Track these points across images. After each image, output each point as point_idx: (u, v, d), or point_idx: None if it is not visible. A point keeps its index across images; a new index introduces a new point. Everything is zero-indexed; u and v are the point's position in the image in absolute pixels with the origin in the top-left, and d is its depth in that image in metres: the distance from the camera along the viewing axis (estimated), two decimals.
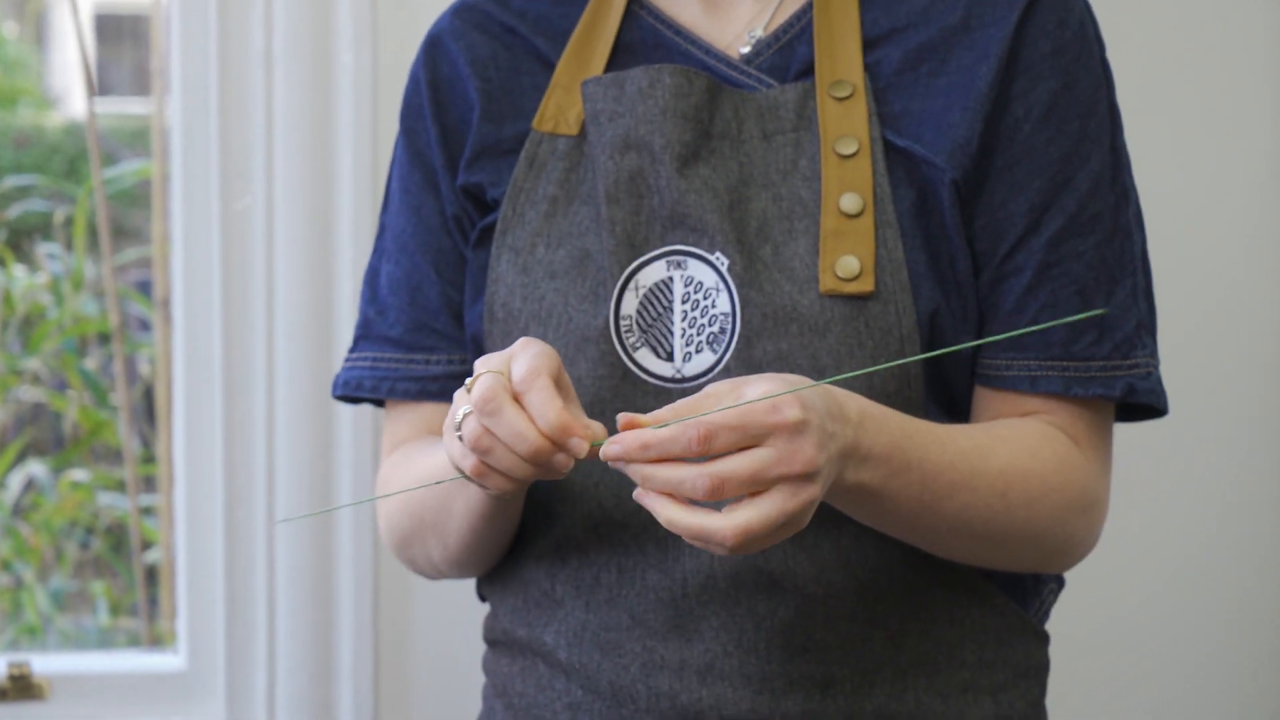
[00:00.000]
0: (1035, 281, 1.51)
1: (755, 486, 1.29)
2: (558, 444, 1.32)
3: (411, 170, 1.64)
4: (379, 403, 1.67)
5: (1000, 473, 1.46)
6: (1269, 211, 2.52)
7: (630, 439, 1.29)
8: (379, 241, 1.67)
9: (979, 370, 1.53)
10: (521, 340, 1.37)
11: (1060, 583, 1.63)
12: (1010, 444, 1.48)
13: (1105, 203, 1.52)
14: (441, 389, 1.62)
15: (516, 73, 1.61)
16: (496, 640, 1.62)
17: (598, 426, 1.34)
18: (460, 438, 1.35)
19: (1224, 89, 2.51)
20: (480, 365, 1.36)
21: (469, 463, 1.35)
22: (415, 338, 1.63)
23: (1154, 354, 1.54)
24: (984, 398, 1.54)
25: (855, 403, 1.38)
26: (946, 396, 1.53)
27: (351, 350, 1.66)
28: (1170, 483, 2.51)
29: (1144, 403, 1.53)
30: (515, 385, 1.33)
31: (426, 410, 1.64)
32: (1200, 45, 2.52)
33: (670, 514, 1.29)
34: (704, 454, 1.28)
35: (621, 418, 1.31)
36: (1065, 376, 1.51)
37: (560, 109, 1.58)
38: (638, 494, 1.31)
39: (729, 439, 1.28)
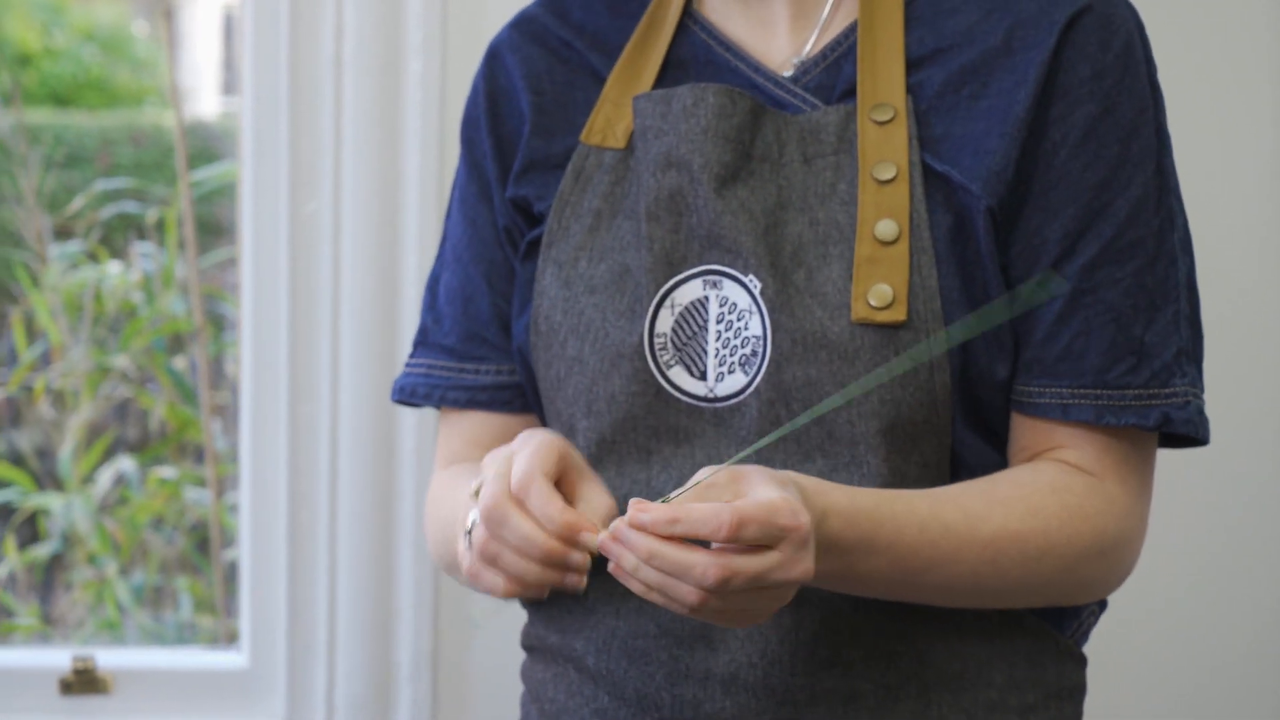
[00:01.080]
0: (1068, 309, 1.49)
1: (753, 586, 1.31)
2: (568, 542, 1.35)
3: (469, 181, 1.65)
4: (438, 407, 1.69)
5: (990, 541, 1.45)
6: (1270, 211, 2.49)
7: (660, 512, 1.30)
8: (441, 250, 1.69)
9: (1014, 396, 1.52)
10: (522, 435, 1.41)
11: (1102, 604, 1.61)
12: (1008, 506, 1.46)
13: (1147, 228, 1.50)
14: (490, 399, 1.64)
15: (570, 87, 1.62)
16: (533, 646, 1.63)
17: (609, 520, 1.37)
18: (469, 543, 1.40)
19: (1225, 89, 2.48)
20: (488, 464, 1.41)
21: (481, 569, 1.40)
22: (467, 347, 1.64)
23: (1195, 382, 1.51)
24: (1018, 424, 1.53)
25: (822, 499, 1.38)
26: (982, 421, 1.52)
27: (411, 356, 1.69)
28: (1188, 497, 2.50)
29: (1180, 433, 1.50)
30: (514, 492, 1.37)
31: (476, 419, 1.65)
32: (1200, 45, 2.49)
33: (656, 548, 1.30)
34: (729, 541, 1.29)
35: (634, 502, 1.31)
36: (1098, 405, 1.49)
37: (609, 122, 1.58)
38: (601, 542, 1.33)
39: (756, 533, 1.29)
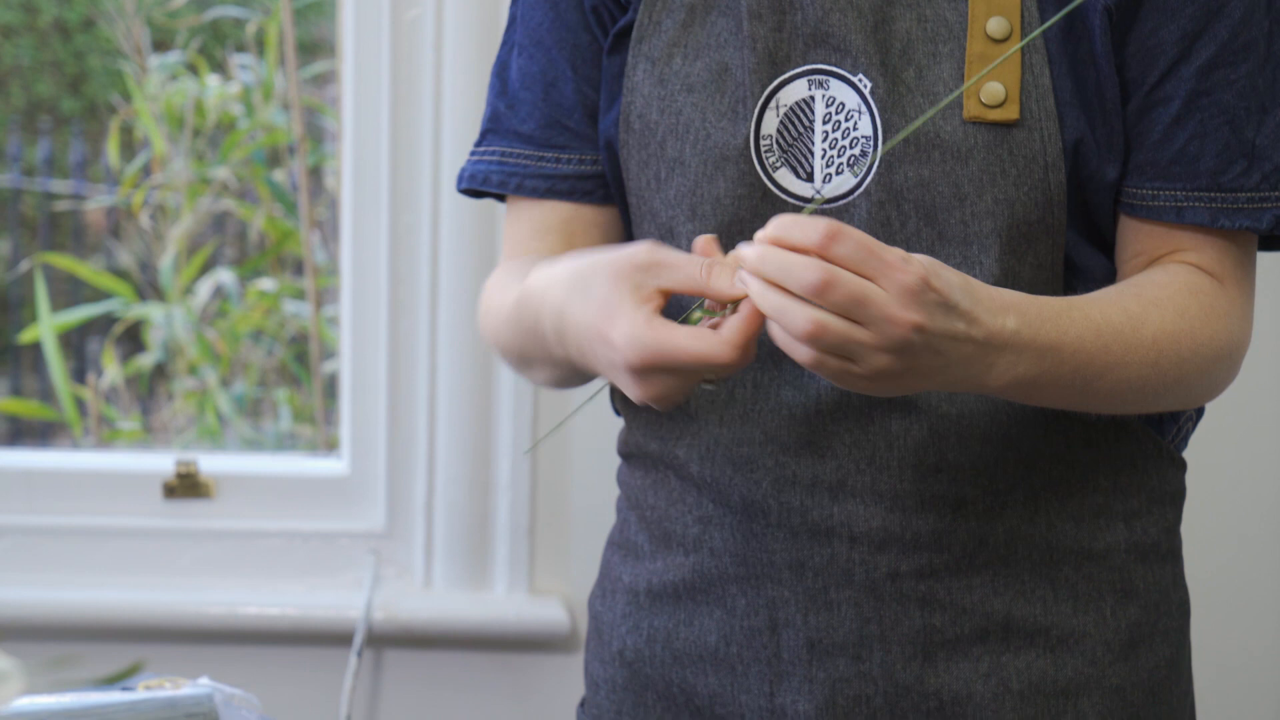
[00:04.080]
0: (1184, 110, 1.48)
1: (855, 311, 1.27)
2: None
3: None
4: (501, 198, 1.64)
5: (1153, 342, 1.44)
6: None
7: (766, 228, 1.29)
8: (509, 34, 1.63)
9: (1124, 199, 1.51)
10: (645, 245, 1.36)
11: (1199, 411, 1.61)
12: (1161, 307, 1.45)
13: (1259, 29, 1.48)
14: (571, 188, 1.59)
15: None
16: (630, 454, 1.63)
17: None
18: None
19: None
20: (688, 265, 1.34)
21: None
22: (547, 134, 1.60)
23: None
24: (1129, 227, 1.52)
25: (1014, 297, 1.36)
26: (1090, 224, 1.52)
27: (478, 144, 1.64)
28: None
29: None
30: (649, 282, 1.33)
31: (551, 208, 1.61)
32: None
33: (762, 250, 1.29)
34: (822, 250, 1.26)
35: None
36: (1213, 208, 1.48)
37: None
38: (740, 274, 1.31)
39: (851, 251, 1.26)
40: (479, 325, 1.66)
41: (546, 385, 1.61)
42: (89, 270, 3.51)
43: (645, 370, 1.32)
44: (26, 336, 3.45)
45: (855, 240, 1.27)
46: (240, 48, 3.52)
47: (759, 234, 1.29)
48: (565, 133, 1.59)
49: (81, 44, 3.83)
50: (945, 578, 1.51)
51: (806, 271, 1.26)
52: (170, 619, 2.47)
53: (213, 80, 3.46)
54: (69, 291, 3.74)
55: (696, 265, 1.32)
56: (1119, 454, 1.54)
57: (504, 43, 1.64)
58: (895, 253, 1.28)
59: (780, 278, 1.27)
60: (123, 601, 2.47)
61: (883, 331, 1.28)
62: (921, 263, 1.29)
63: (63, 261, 3.61)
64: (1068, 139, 1.46)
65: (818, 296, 1.26)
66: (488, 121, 1.63)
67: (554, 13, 1.59)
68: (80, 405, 3.37)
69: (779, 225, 1.28)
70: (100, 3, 3.60)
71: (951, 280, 1.32)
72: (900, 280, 1.27)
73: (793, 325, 1.27)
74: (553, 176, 1.60)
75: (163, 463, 2.55)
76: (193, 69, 3.47)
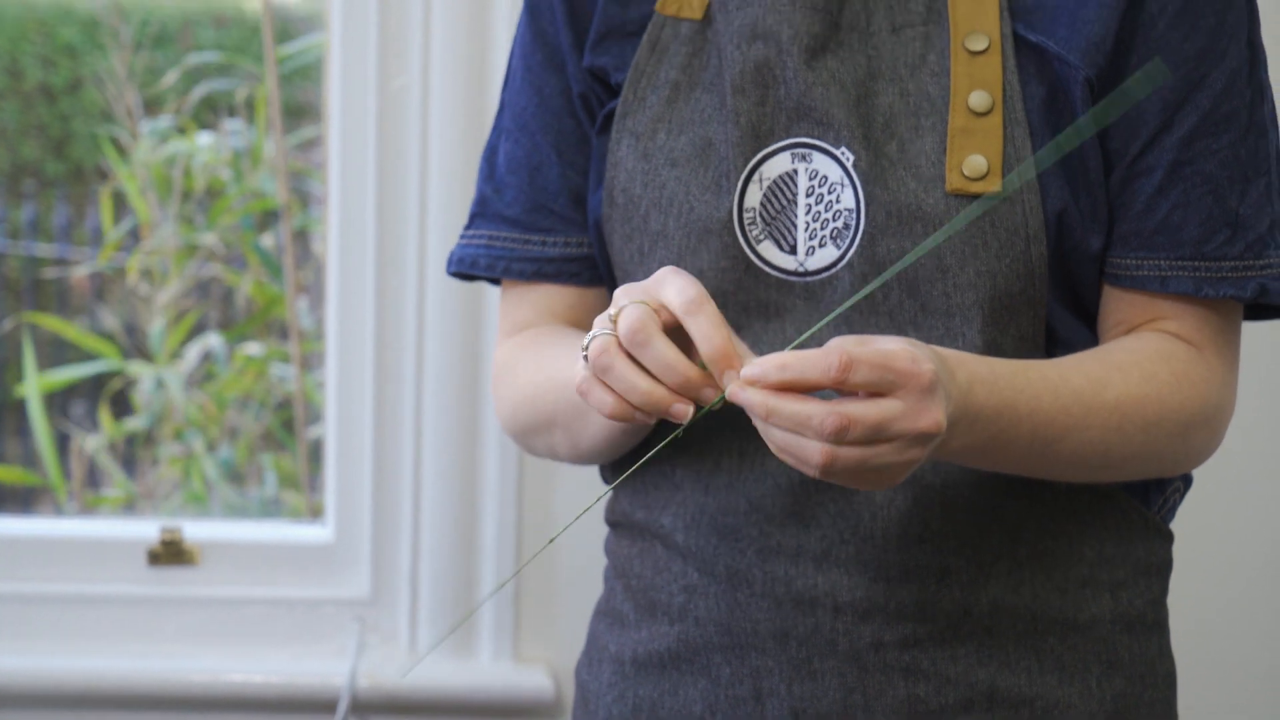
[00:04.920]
0: (1167, 180, 1.48)
1: (876, 436, 1.28)
2: (708, 377, 1.31)
3: (534, 49, 1.61)
4: (495, 281, 1.66)
5: (1115, 406, 1.45)
6: None
7: (768, 361, 1.28)
8: (498, 119, 1.65)
9: (1108, 269, 1.51)
10: (668, 269, 1.35)
11: (1186, 481, 1.61)
12: (1126, 371, 1.46)
13: (1241, 99, 1.49)
14: (558, 271, 1.61)
15: None
16: (617, 522, 1.63)
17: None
18: (585, 358, 1.34)
19: None
20: (621, 296, 1.35)
21: (591, 389, 1.34)
22: (533, 218, 1.61)
23: None
24: (1112, 297, 1.52)
25: (964, 369, 1.37)
26: (1073, 295, 1.52)
27: (467, 227, 1.65)
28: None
29: (1277, 304, 1.51)
30: (682, 309, 1.32)
31: (543, 292, 1.62)
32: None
33: (772, 403, 1.28)
34: (839, 384, 1.27)
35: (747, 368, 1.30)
36: (1196, 277, 1.49)
37: None
38: (731, 392, 1.30)
39: (867, 375, 1.27)
40: (494, 405, 1.67)
41: (567, 458, 1.61)
42: (75, 331, 3.51)
43: (635, 337, 1.32)
44: (11, 398, 3.44)
45: (869, 363, 1.28)
46: (231, 112, 3.53)
47: (764, 368, 1.29)
48: (550, 216, 1.60)
49: (66, 107, 3.84)
50: (929, 648, 1.50)
51: (825, 422, 1.27)
52: (154, 687, 2.45)
53: (204, 138, 3.47)
54: (53, 354, 3.74)
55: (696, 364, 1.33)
56: (1104, 524, 1.54)
57: (494, 129, 1.66)
58: (904, 355, 1.29)
59: (796, 428, 1.28)
60: (107, 670, 2.46)
61: (904, 442, 1.30)
62: (928, 358, 1.30)
63: (48, 321, 3.61)
64: (1051, 210, 1.47)
65: (836, 442, 1.27)
66: (476, 206, 1.65)
67: (538, 98, 1.61)
68: (65, 470, 3.36)
69: (789, 368, 1.28)
70: (90, 66, 3.61)
71: (944, 363, 1.33)
72: (918, 386, 1.29)
73: (805, 462, 1.29)
74: (539, 259, 1.61)
75: (147, 530, 2.54)
76: (183, 131, 3.48)
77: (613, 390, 1.33)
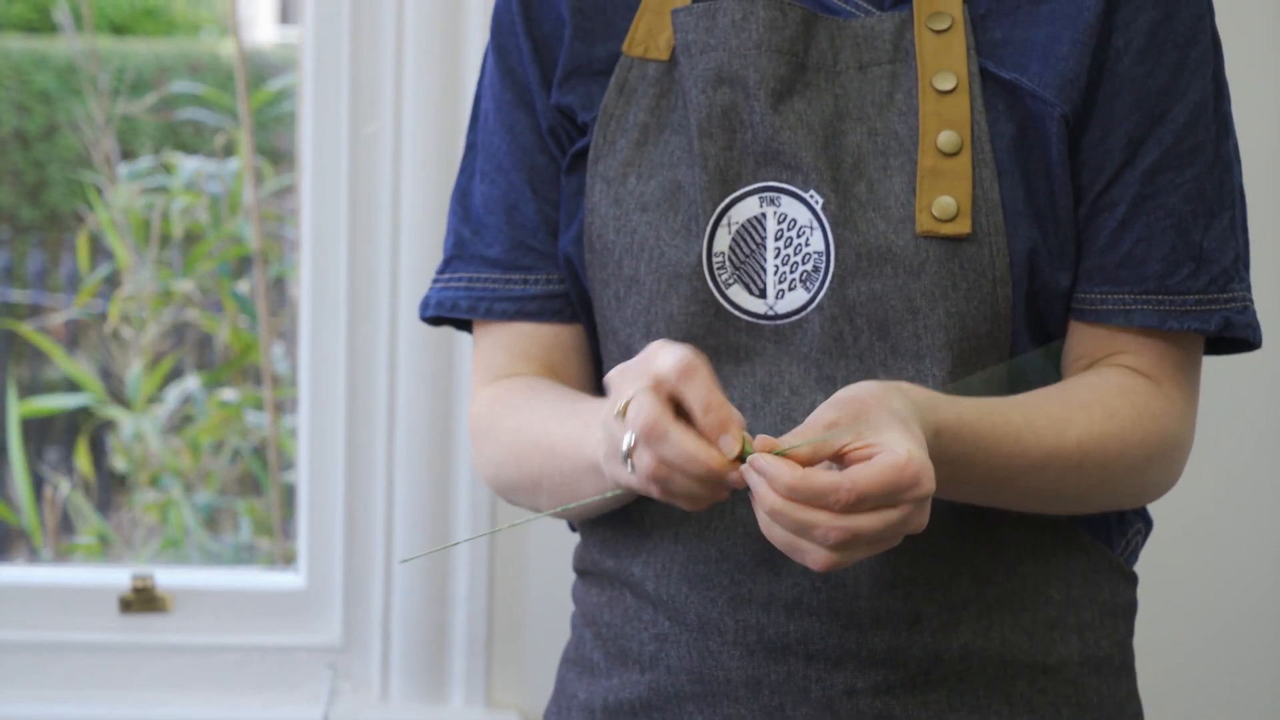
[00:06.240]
0: (1130, 214, 1.49)
1: (877, 539, 1.30)
2: (732, 463, 1.32)
3: (503, 88, 1.60)
4: (463, 325, 1.64)
5: (1077, 445, 1.45)
6: (1271, 212, 2.46)
7: (779, 477, 1.29)
8: (467, 161, 1.64)
9: (1074, 304, 1.52)
10: (660, 342, 1.36)
11: (1148, 524, 1.61)
12: (1088, 410, 1.47)
13: (1205, 134, 1.50)
14: (540, 308, 1.59)
15: None
16: (586, 570, 1.62)
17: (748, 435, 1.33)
18: (632, 467, 1.34)
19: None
20: (620, 380, 1.36)
21: (654, 491, 1.34)
22: (513, 257, 1.59)
23: (1249, 287, 1.52)
24: (1077, 332, 1.53)
25: (936, 414, 1.38)
26: (1042, 333, 1.52)
27: (441, 271, 1.63)
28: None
29: (1240, 337, 1.51)
30: (675, 377, 1.32)
31: (522, 331, 1.60)
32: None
33: (780, 505, 1.29)
34: (847, 513, 1.28)
35: (760, 440, 1.30)
36: (1160, 310, 1.49)
37: (650, 32, 1.54)
38: (743, 472, 1.31)
39: (873, 505, 1.29)
40: (474, 459, 1.66)
41: (547, 510, 1.60)
42: (61, 354, 3.51)
43: (651, 434, 1.31)
44: None
45: (878, 485, 1.28)
46: (210, 155, 3.54)
47: (773, 474, 1.29)
48: (530, 254, 1.59)
49: (41, 153, 3.84)
50: (901, 694, 1.50)
51: (829, 535, 1.29)
52: None
53: (189, 162, 3.47)
54: (32, 393, 3.74)
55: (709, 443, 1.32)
56: (1069, 567, 1.54)
57: (462, 170, 1.64)
58: (909, 472, 1.29)
59: (798, 531, 1.29)
60: (77, 717, 2.46)
61: (897, 539, 1.32)
62: (922, 457, 1.30)
63: (36, 338, 3.60)
64: (1020, 250, 1.47)
65: (842, 550, 1.29)
66: (451, 249, 1.63)
67: (510, 136, 1.60)
68: (40, 515, 3.35)
69: (798, 491, 1.29)
70: (65, 112, 3.62)
71: (918, 410, 1.35)
72: (918, 497, 1.30)
73: (804, 560, 1.31)
74: (521, 298, 1.59)
75: (119, 577, 2.54)
76: (165, 168, 3.48)
77: (674, 494, 1.34)
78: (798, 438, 1.31)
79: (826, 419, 1.32)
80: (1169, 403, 1.51)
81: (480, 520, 2.44)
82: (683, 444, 1.31)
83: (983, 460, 1.41)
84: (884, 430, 1.31)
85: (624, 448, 1.33)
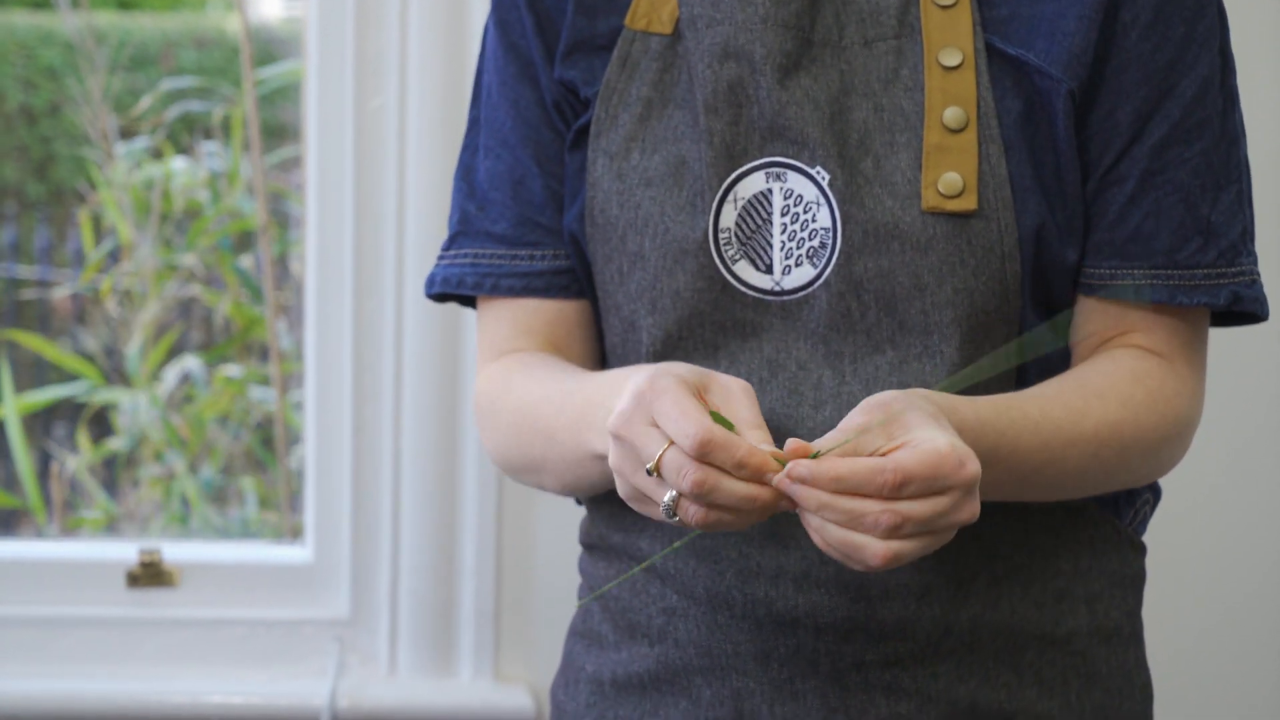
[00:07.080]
0: (1139, 189, 1.49)
1: (926, 529, 1.30)
2: (781, 494, 1.31)
3: (507, 63, 1.59)
4: (467, 301, 1.64)
5: (1094, 435, 1.46)
6: (1270, 212, 2.46)
7: (823, 471, 1.29)
8: (470, 137, 1.63)
9: (1082, 279, 1.52)
10: (645, 378, 1.34)
11: (1156, 494, 1.62)
12: (1104, 398, 1.47)
13: (1213, 107, 1.50)
14: (547, 285, 1.58)
15: None
16: (593, 544, 1.62)
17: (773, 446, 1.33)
18: (674, 514, 1.33)
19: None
20: (628, 431, 1.34)
21: (694, 526, 1.34)
22: (520, 233, 1.58)
23: (1256, 260, 1.52)
24: (1086, 307, 1.53)
25: (957, 415, 1.38)
26: (1049, 306, 1.52)
27: (447, 247, 1.62)
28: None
29: (1248, 310, 1.52)
30: (694, 453, 1.29)
31: (528, 307, 1.60)
32: None
33: (825, 499, 1.29)
34: (893, 499, 1.28)
35: (791, 443, 1.30)
36: (1170, 285, 1.50)
37: (653, 6, 1.54)
38: (779, 481, 1.31)
39: (918, 488, 1.29)
40: (480, 435, 1.66)
41: (553, 490, 1.60)
42: (55, 351, 3.51)
43: (701, 491, 1.31)
44: None
45: (923, 467, 1.28)
46: (208, 134, 3.53)
47: (817, 473, 1.29)
48: (537, 229, 1.58)
49: (47, 129, 3.83)
50: (910, 666, 1.50)
51: (881, 520, 1.28)
52: (133, 709, 2.45)
53: (180, 163, 3.46)
54: (34, 375, 3.73)
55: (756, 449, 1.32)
56: (1078, 538, 1.54)
57: (465, 146, 1.64)
58: (952, 458, 1.29)
59: (848, 522, 1.29)
60: (85, 692, 2.46)
61: (948, 530, 1.32)
62: (963, 445, 1.31)
63: (29, 340, 3.60)
64: (1028, 225, 1.47)
65: (893, 535, 1.29)
66: (457, 225, 1.62)
67: (515, 111, 1.59)
68: (44, 492, 3.35)
69: (843, 480, 1.29)
70: (67, 89, 3.61)
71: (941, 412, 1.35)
72: (963, 484, 1.30)
73: (862, 560, 1.30)
74: (527, 274, 1.59)
75: (126, 551, 2.54)
76: (159, 154, 3.47)
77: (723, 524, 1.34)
78: (830, 443, 1.32)
79: (857, 424, 1.32)
80: (1181, 382, 1.52)
81: (487, 495, 2.45)
82: (736, 490, 1.30)
83: (1006, 456, 1.42)
84: (916, 429, 1.31)
85: (665, 501, 1.33)
